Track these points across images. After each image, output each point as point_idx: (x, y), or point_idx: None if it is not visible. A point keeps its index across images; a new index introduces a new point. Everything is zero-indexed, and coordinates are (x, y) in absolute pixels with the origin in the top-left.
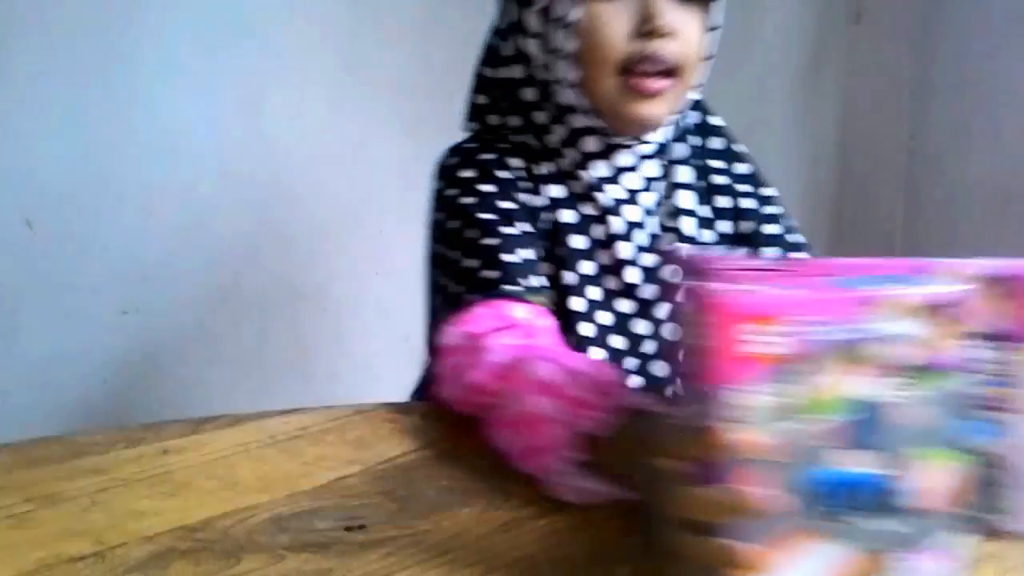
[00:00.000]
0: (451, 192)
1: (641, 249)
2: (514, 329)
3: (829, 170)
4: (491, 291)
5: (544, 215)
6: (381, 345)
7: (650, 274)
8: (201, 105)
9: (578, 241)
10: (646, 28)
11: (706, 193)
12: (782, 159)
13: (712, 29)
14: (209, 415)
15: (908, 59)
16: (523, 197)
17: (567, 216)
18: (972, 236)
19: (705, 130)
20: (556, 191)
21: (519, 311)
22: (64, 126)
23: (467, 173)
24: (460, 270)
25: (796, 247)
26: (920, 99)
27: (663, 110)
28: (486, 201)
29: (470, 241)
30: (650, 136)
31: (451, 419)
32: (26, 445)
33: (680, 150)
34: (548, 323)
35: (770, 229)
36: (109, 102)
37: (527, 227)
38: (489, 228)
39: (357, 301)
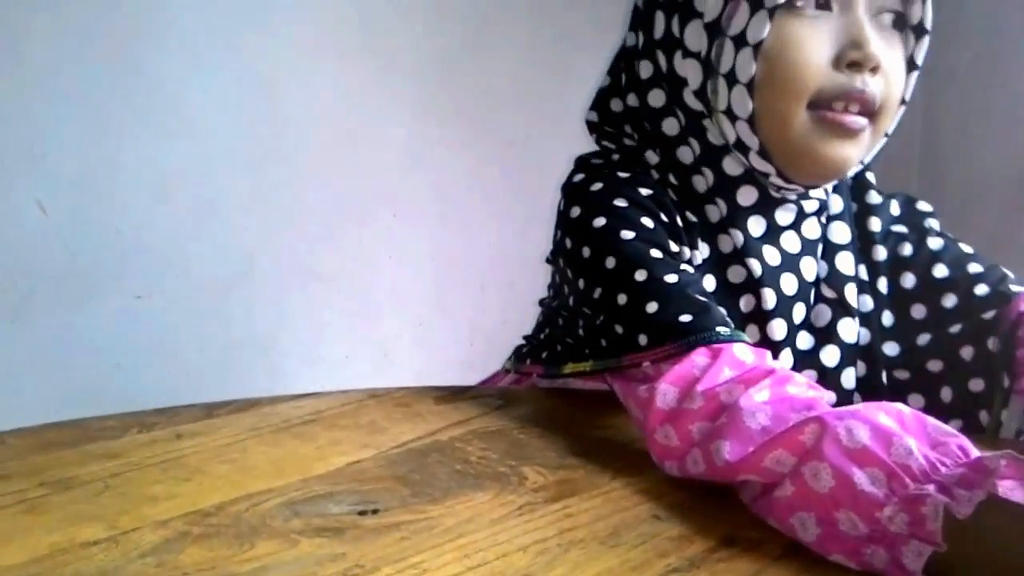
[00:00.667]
0: (600, 224)
1: (796, 327)
2: (762, 376)
3: (905, 178)
4: (696, 335)
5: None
6: (395, 329)
7: (805, 357)
8: (215, 89)
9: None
10: (853, 57)
11: (861, 249)
12: None
13: (913, 69)
14: (223, 400)
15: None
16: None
17: (708, 283)
18: (988, 227)
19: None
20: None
21: (744, 354)
22: (77, 109)
23: (619, 202)
24: (640, 316)
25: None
26: (934, 88)
27: (858, 153)
28: (647, 235)
29: (635, 286)
30: (815, 191)
31: (466, 403)
32: (39, 429)
33: (837, 203)
34: (788, 365)
35: (940, 271)
36: (122, 85)
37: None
38: (662, 266)
39: (371, 285)
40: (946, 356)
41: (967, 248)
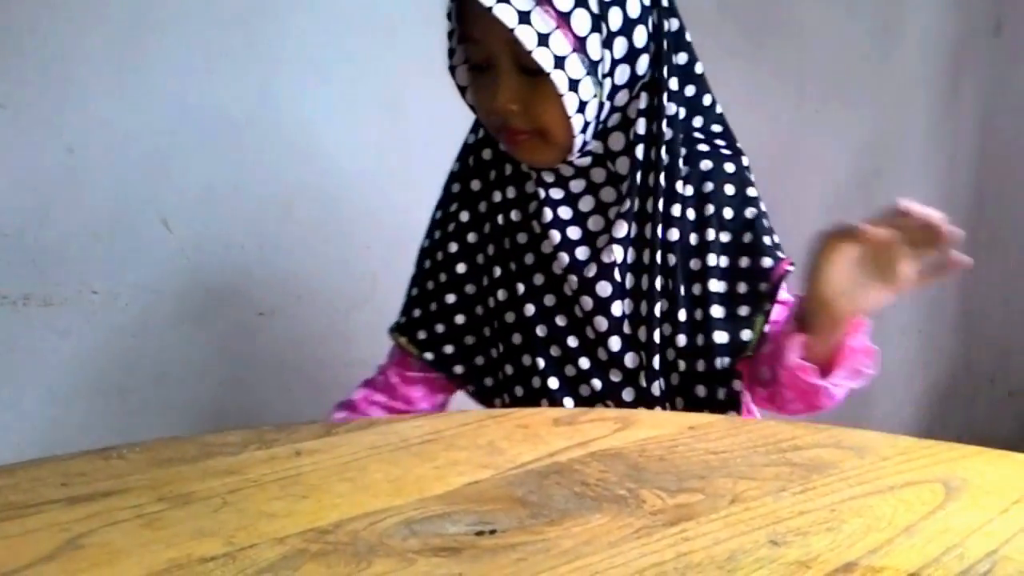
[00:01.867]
0: (441, 198)
1: (577, 264)
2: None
3: (966, 182)
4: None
5: (499, 216)
6: None
7: (584, 287)
8: (340, 106)
9: (523, 238)
10: (493, 106)
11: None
12: (919, 172)
13: (572, 89)
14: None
15: None
16: (478, 209)
17: (514, 216)
18: None
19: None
20: (508, 192)
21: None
22: (201, 125)
23: (437, 213)
24: (408, 292)
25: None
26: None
27: (547, 156)
28: (436, 249)
29: (418, 271)
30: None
31: (585, 425)
32: (158, 444)
33: (622, 165)
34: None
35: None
36: (247, 101)
37: (463, 268)
38: (428, 270)
39: None
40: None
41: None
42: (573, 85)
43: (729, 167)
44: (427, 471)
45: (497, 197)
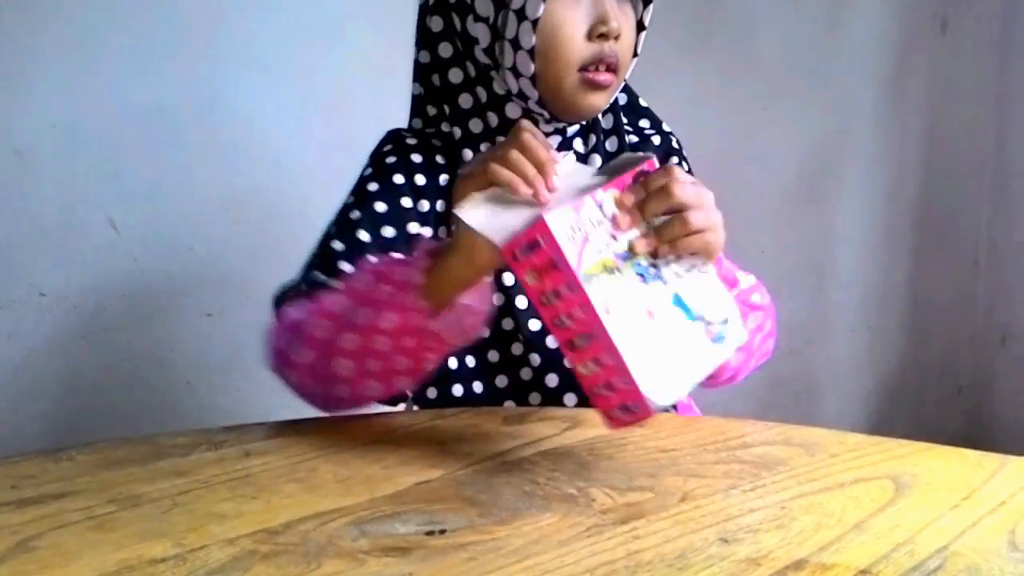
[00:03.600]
0: (366, 174)
1: None
2: None
3: (914, 179)
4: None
5: None
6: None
7: None
8: (287, 107)
9: None
10: (601, 30)
11: None
12: (867, 169)
13: (642, 30)
14: (292, 419)
15: (994, 69)
16: (438, 180)
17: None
18: None
19: (636, 112)
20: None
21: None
22: (148, 127)
23: (389, 159)
24: (329, 247)
25: None
26: (1006, 110)
27: (607, 100)
28: (388, 193)
29: (348, 225)
30: (572, 126)
31: (534, 424)
32: (108, 446)
33: (606, 122)
34: None
35: None
36: (194, 103)
37: (417, 228)
38: (369, 224)
39: None
40: None
41: None
42: (644, 27)
43: (656, 139)
44: (377, 471)
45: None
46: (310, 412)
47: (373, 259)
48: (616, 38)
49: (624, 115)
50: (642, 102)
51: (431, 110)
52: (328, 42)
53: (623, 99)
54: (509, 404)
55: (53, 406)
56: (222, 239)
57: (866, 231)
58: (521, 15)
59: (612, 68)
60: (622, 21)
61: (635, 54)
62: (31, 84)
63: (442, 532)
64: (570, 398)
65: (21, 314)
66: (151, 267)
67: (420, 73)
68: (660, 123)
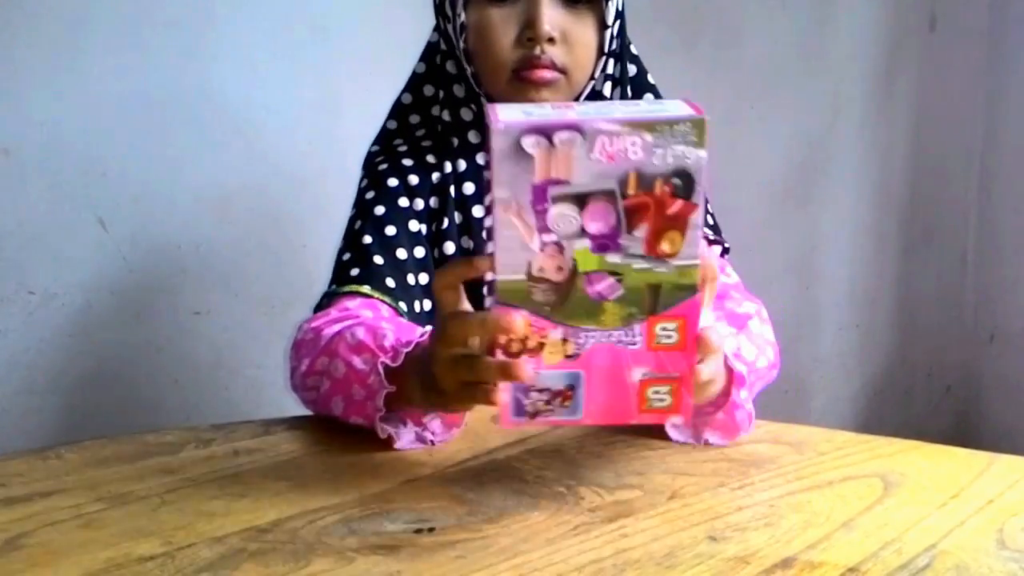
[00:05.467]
0: (363, 185)
1: None
2: (343, 320)
3: (901, 178)
4: (345, 288)
5: (453, 188)
6: None
7: None
8: (276, 105)
9: (479, 211)
10: (528, 35)
11: None
12: (854, 169)
13: (606, 27)
14: (280, 416)
15: (983, 66)
16: (431, 179)
17: (469, 188)
18: None
19: (643, 88)
20: (462, 165)
21: (362, 308)
22: (137, 125)
23: (381, 166)
24: (339, 261)
25: None
26: (994, 107)
27: (557, 95)
28: (385, 197)
29: (353, 235)
30: None
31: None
32: (96, 444)
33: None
34: (371, 314)
35: None
36: (183, 101)
37: (416, 226)
38: (372, 227)
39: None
40: None
41: None
42: (614, 19)
43: None
44: (365, 469)
45: (448, 168)
46: (298, 410)
47: (353, 340)
48: (551, 41)
49: (632, 91)
50: (650, 78)
51: (428, 90)
52: (317, 39)
53: (632, 70)
54: None
55: (41, 404)
56: (210, 237)
57: (854, 229)
58: (455, 20)
59: (552, 68)
60: (566, 24)
61: (604, 52)
62: (18, 82)
63: (431, 530)
64: None
65: (9, 312)
66: (139, 265)
67: (428, 53)
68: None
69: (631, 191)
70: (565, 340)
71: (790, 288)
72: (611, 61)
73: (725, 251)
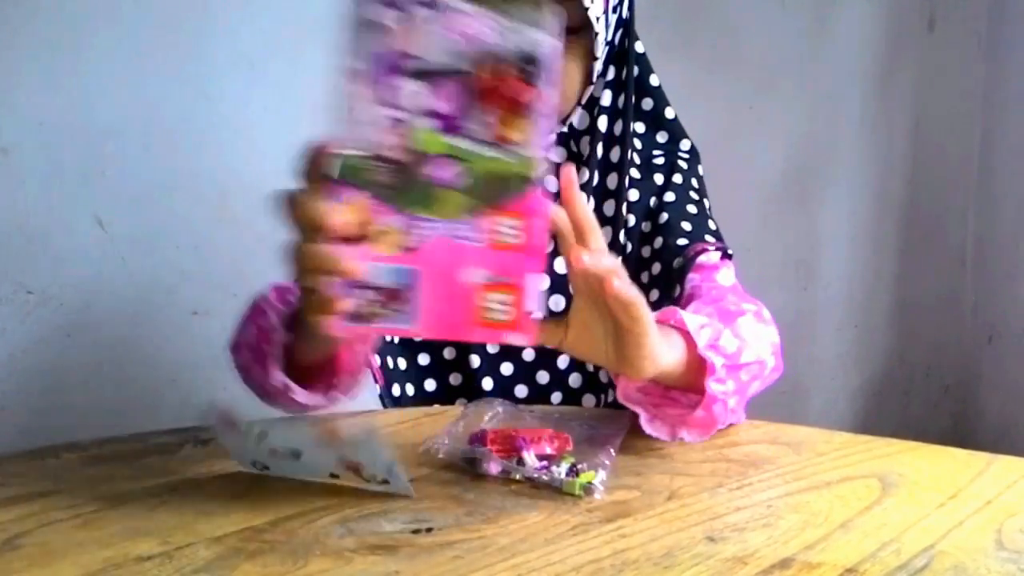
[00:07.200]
0: None
1: None
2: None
3: (900, 178)
4: None
5: None
6: None
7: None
8: (274, 105)
9: None
10: None
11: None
12: (853, 169)
13: (595, 58)
14: (278, 416)
15: (981, 68)
16: None
17: None
18: None
19: (657, 123)
20: None
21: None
22: (135, 125)
23: None
24: None
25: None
26: (993, 108)
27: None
28: None
29: None
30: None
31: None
32: (94, 444)
33: (584, 145)
34: None
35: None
36: (181, 101)
37: None
38: None
39: None
40: None
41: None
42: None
43: (660, 160)
44: None
45: None
46: (296, 411)
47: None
48: None
49: (645, 125)
50: (668, 113)
51: None
52: (315, 40)
53: (648, 105)
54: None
55: (39, 404)
56: (209, 237)
57: (852, 229)
58: None
59: None
60: None
61: (591, 81)
62: (17, 82)
63: (429, 530)
64: (588, 399)
65: (7, 312)
66: (137, 265)
67: None
68: (680, 138)
69: (483, 73)
70: (404, 232)
71: (789, 288)
72: (611, 66)
73: (727, 256)
